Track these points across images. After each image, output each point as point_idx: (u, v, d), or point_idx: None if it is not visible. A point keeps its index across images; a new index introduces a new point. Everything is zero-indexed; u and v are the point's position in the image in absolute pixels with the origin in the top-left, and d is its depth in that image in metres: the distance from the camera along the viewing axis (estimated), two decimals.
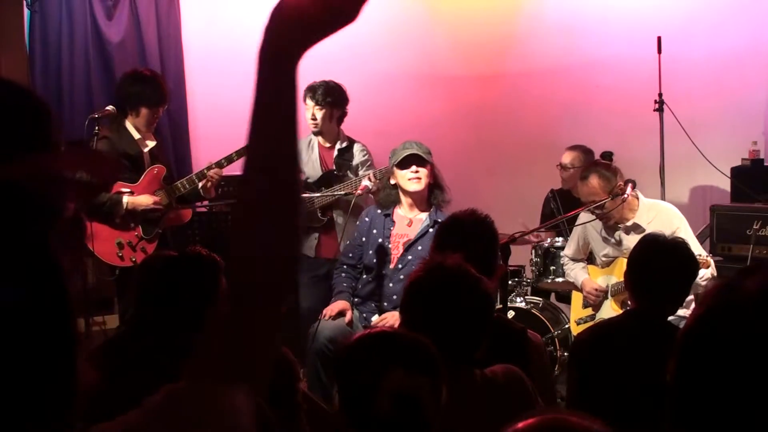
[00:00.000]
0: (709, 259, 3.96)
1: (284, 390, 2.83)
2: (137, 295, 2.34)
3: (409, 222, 4.30)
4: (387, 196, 4.35)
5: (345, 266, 4.39)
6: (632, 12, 6.10)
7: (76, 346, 0.91)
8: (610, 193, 4.07)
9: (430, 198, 4.29)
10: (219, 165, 4.50)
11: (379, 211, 4.37)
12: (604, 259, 4.30)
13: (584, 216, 4.28)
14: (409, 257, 4.20)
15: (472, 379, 2.18)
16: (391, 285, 4.24)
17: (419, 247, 4.20)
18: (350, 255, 4.40)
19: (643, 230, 4.07)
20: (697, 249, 4.11)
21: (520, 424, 1.05)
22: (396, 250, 4.27)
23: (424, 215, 4.28)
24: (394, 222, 4.32)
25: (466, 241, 2.66)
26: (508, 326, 2.78)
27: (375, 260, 4.29)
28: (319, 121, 4.74)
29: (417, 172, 4.19)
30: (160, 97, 4.50)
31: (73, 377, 0.91)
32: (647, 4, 6.09)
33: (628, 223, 4.16)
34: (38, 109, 1.53)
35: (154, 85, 4.47)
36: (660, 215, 4.14)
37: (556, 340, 4.66)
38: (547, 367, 3.18)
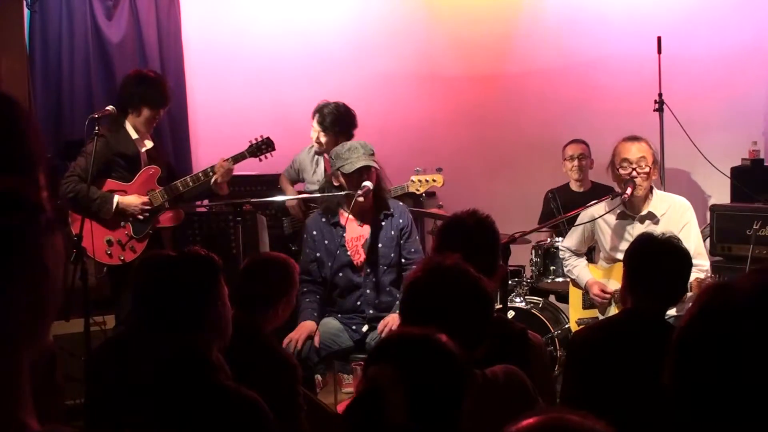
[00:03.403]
0: (704, 278, 3.94)
1: (285, 391, 2.83)
2: (135, 295, 2.33)
3: (360, 223, 4.21)
4: (331, 199, 4.18)
5: (305, 287, 4.14)
6: (632, 12, 6.11)
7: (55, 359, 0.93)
8: (654, 161, 4.14)
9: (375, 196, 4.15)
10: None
11: (324, 220, 4.23)
12: (611, 253, 4.25)
13: (599, 209, 4.23)
14: (379, 264, 4.14)
15: (472, 380, 2.18)
16: (368, 292, 4.18)
17: (379, 244, 4.15)
18: (309, 277, 4.17)
19: (658, 220, 4.11)
20: (700, 248, 4.15)
21: (523, 423, 1.05)
22: (357, 255, 4.18)
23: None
24: (344, 228, 4.16)
25: (467, 240, 2.65)
26: (508, 326, 2.77)
27: (341, 273, 4.17)
28: (323, 144, 4.86)
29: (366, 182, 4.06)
30: (162, 99, 4.50)
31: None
32: (647, 4, 6.10)
33: (643, 213, 4.16)
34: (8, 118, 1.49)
35: (158, 86, 4.48)
36: (674, 207, 4.16)
37: (556, 340, 4.67)
38: (548, 367, 3.17)
